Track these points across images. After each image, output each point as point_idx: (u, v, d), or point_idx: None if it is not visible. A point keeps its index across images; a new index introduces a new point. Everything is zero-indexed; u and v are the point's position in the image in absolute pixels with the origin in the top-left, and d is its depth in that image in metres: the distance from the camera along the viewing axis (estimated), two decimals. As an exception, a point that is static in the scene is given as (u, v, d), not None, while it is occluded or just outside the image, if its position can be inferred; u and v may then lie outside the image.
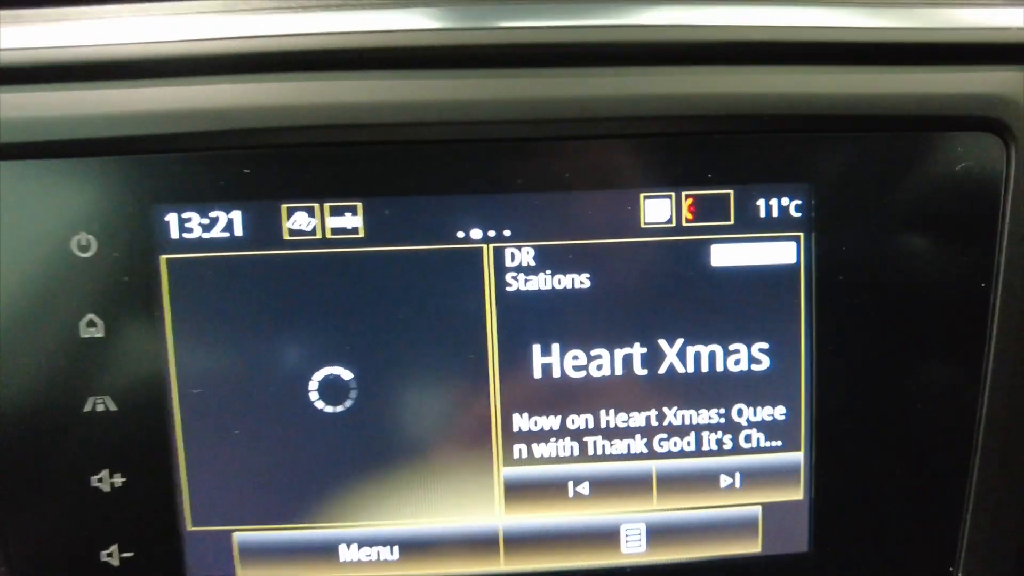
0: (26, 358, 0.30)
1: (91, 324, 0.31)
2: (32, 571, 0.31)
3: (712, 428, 0.32)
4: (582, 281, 0.31)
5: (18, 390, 0.30)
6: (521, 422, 0.32)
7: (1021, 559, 0.34)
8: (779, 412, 0.32)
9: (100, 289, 0.30)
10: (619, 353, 0.32)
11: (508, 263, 0.31)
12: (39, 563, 0.31)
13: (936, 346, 0.33)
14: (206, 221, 0.30)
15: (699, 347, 0.32)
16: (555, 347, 0.31)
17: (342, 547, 0.32)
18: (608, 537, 0.32)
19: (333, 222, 0.31)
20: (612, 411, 0.32)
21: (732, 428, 0.32)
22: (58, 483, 0.31)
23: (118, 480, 0.31)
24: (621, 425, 0.32)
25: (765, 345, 0.32)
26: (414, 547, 0.32)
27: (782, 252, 0.32)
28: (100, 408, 0.31)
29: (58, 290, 0.30)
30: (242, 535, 0.32)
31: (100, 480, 0.31)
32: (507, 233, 0.31)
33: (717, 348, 0.32)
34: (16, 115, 0.29)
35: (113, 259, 0.30)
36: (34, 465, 0.31)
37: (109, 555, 0.31)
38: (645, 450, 0.32)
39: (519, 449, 0.32)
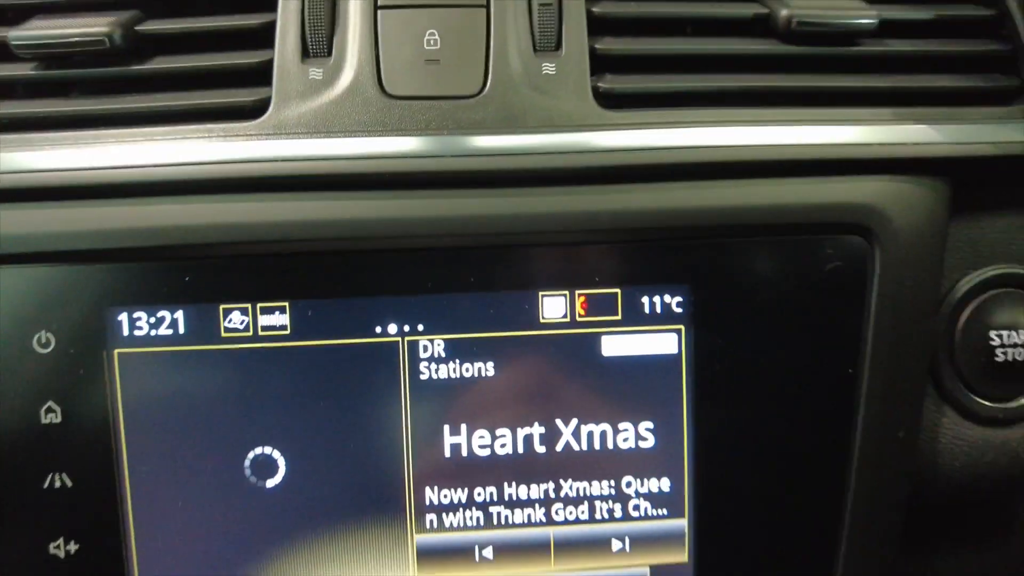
0: (-8, 441, 0.34)
1: (50, 411, 0.34)
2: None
3: (604, 498, 0.36)
4: (487, 370, 0.35)
5: (-16, 470, 0.34)
6: (432, 495, 0.35)
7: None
8: (664, 484, 0.36)
9: (58, 380, 0.34)
10: (520, 432, 0.36)
11: (421, 354, 0.35)
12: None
13: (806, 426, 0.36)
14: (153, 320, 0.34)
15: (592, 426, 0.36)
16: (463, 428, 0.35)
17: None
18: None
19: (264, 320, 0.34)
20: (514, 484, 0.36)
21: (622, 498, 0.36)
22: (17, 552, 0.35)
23: (72, 548, 0.35)
24: (522, 496, 0.36)
25: (651, 424, 0.36)
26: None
27: (664, 343, 0.36)
28: (58, 484, 0.35)
29: (20, 382, 0.34)
30: (185, 597, 0.36)
31: (56, 548, 0.35)
32: (420, 328, 0.35)
33: (608, 427, 0.36)
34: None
35: (70, 354, 0.34)
36: (-2, 535, 0.35)
37: (64, 621, 0.35)
38: (543, 518, 0.36)
39: (430, 519, 0.36)
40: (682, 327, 0.36)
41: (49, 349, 0.34)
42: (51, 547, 0.35)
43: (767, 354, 0.36)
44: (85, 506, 0.35)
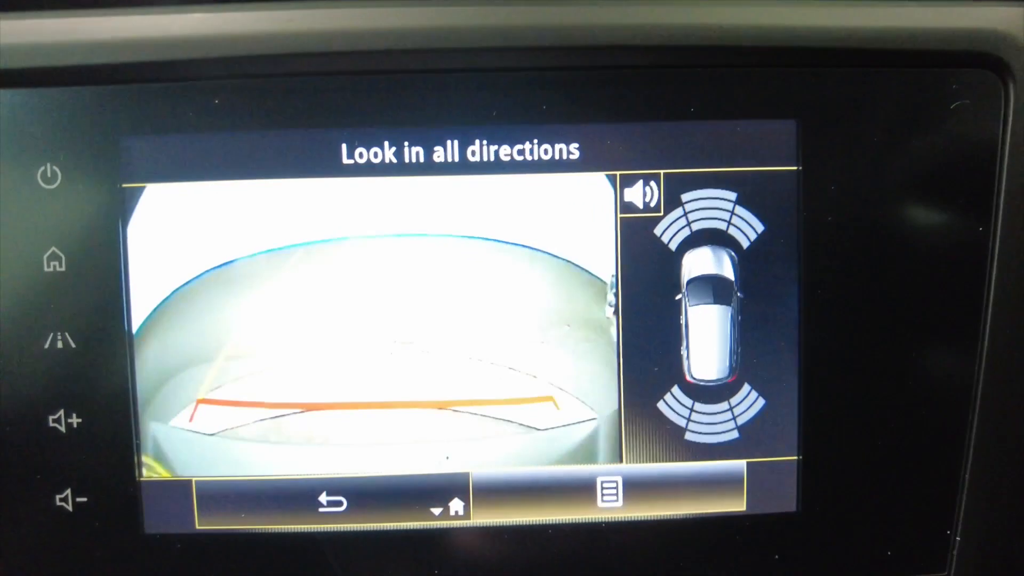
0: (-15, 292, 0.30)
1: (54, 257, 0.30)
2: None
3: (694, 376, 0.31)
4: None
5: (-25, 324, 0.30)
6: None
7: (1022, 522, 0.32)
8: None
9: (64, 222, 0.30)
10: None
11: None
12: (-9, 507, 0.30)
13: (931, 292, 0.31)
14: (172, 151, 0.30)
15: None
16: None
17: (321, 496, 0.30)
18: (583, 490, 0.31)
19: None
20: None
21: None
22: (13, 421, 0.30)
23: (75, 420, 0.30)
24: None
25: (751, 291, 0.31)
26: (367, 497, 0.31)
27: (770, 188, 0.31)
28: (59, 345, 0.30)
29: (21, 222, 0.29)
30: (201, 482, 0.31)
31: (57, 420, 0.30)
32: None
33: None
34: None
35: (78, 191, 0.30)
36: (-11, 402, 0.30)
37: (64, 500, 0.30)
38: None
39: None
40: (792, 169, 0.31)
41: (55, 185, 0.30)
42: (50, 419, 0.30)
43: (885, 205, 0.30)
44: (89, 372, 0.30)
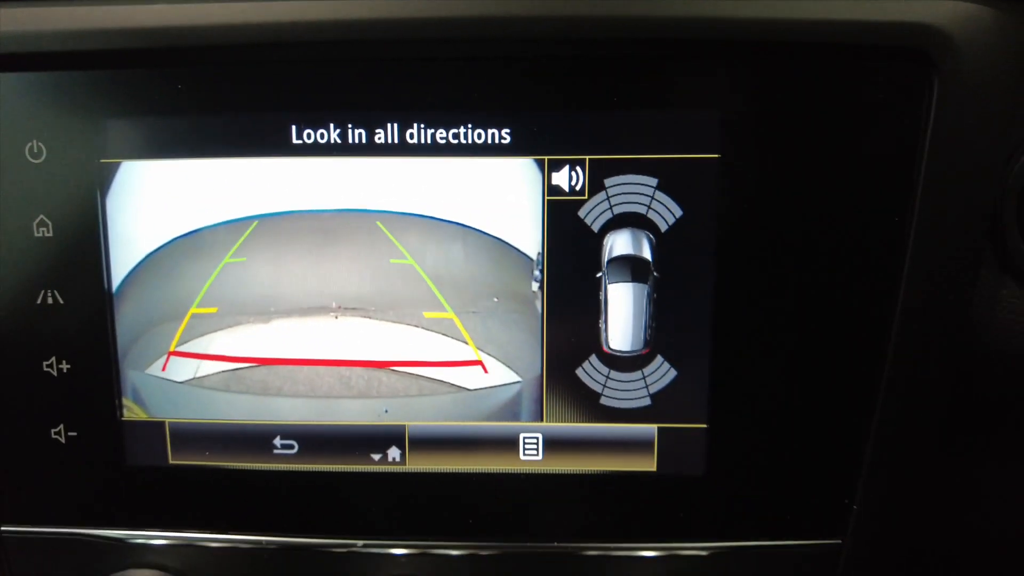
0: (-15, 255, 0.34)
1: (42, 224, 0.34)
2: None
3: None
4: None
5: (-23, 284, 0.34)
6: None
7: (921, 494, 0.35)
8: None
9: (50, 193, 0.33)
10: (523, 271, 0.33)
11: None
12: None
13: (844, 278, 0.33)
14: (148, 131, 0.33)
15: (601, 269, 0.33)
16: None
17: (276, 439, 0.35)
18: (507, 445, 0.34)
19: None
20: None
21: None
22: (13, 366, 0.34)
23: (64, 366, 0.34)
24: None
25: (667, 270, 0.33)
26: (316, 442, 0.35)
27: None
28: (49, 300, 0.34)
29: (12, 193, 0.33)
30: (174, 423, 0.35)
31: (50, 365, 0.35)
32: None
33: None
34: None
35: (62, 165, 0.33)
36: (-8, 350, 0.34)
37: (57, 433, 0.35)
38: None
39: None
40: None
41: (41, 160, 0.33)
42: (44, 365, 0.35)
43: (806, 194, 0.32)
44: (74, 325, 0.34)
